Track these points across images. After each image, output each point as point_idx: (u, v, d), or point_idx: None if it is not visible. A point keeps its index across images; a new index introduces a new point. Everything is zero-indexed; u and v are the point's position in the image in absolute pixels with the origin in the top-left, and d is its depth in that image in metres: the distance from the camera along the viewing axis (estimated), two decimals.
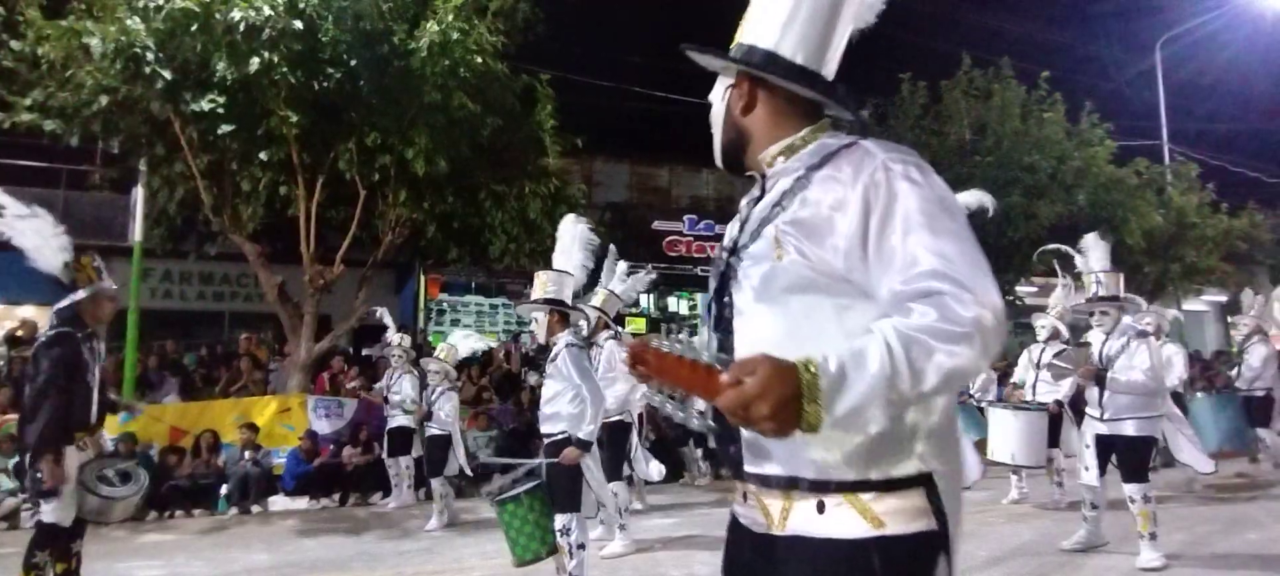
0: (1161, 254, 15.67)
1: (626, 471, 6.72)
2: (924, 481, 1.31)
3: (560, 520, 4.33)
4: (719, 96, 1.59)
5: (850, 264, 1.31)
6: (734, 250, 1.49)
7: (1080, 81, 16.75)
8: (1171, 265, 15.91)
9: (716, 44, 1.56)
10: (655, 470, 7.29)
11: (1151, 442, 5.33)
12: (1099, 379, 5.29)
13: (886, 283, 1.26)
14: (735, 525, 1.52)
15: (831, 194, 1.33)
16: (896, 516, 1.29)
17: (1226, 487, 8.25)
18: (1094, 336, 5.57)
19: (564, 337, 4.53)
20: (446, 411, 7.79)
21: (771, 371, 1.14)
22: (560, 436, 4.44)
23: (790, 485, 1.35)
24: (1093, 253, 5.96)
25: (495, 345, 13.63)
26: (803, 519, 1.34)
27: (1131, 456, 5.24)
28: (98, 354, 4.52)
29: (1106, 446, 5.40)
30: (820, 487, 1.33)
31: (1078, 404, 6.17)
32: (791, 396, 1.14)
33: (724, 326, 1.47)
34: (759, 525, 1.42)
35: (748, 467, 1.41)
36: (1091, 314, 5.58)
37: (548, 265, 5.01)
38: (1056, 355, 6.32)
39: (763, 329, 1.40)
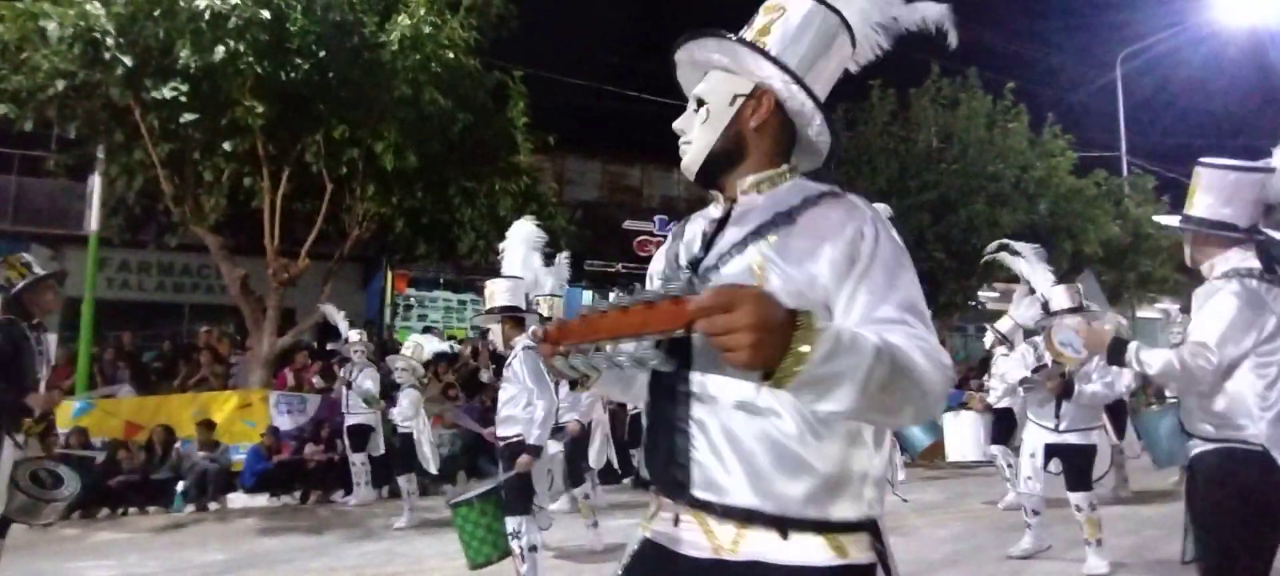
0: (1118, 263, 16.09)
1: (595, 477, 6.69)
2: (869, 527, 1.35)
3: (511, 523, 4.36)
4: (719, 97, 1.48)
5: (826, 297, 1.34)
6: (695, 268, 1.45)
7: (1044, 93, 17.09)
8: (1127, 274, 16.36)
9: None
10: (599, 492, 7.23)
11: (1095, 449, 5.46)
12: (1067, 391, 5.33)
13: (853, 316, 1.31)
14: (655, 548, 1.45)
15: (820, 230, 1.36)
16: (856, 547, 1.34)
17: (1173, 494, 8.46)
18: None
19: (521, 341, 4.55)
20: (404, 408, 7.70)
21: (764, 297, 1.12)
22: (515, 439, 4.46)
23: (748, 517, 1.33)
24: (1037, 266, 6.05)
25: (461, 344, 13.52)
26: (762, 545, 1.32)
27: (1079, 464, 5.36)
28: (44, 345, 4.37)
29: (1053, 455, 5.50)
30: (778, 523, 1.31)
31: None
32: (781, 323, 1.10)
33: (680, 343, 1.36)
34: (701, 548, 1.37)
35: (698, 493, 1.36)
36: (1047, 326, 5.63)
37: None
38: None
39: None
